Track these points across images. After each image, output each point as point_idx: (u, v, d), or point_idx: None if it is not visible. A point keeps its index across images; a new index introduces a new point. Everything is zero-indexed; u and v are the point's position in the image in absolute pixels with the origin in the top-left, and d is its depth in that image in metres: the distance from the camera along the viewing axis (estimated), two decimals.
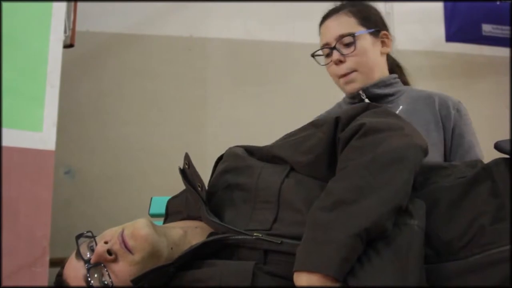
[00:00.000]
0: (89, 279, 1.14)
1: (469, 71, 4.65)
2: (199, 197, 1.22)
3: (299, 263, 0.98)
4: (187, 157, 1.28)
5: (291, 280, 0.99)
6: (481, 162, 1.22)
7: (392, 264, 0.94)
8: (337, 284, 0.94)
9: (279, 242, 1.08)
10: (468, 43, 4.54)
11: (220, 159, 1.37)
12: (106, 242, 1.15)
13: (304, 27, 4.39)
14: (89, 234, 1.22)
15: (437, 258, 1.01)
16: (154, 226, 1.18)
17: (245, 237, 1.12)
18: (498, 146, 1.13)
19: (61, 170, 3.63)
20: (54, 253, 2.11)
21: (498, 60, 4.64)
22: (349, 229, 0.96)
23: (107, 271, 1.14)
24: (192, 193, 1.24)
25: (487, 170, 1.11)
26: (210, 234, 1.18)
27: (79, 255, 1.18)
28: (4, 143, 1.84)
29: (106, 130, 3.78)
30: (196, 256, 1.14)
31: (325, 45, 1.97)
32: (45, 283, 1.86)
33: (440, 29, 4.48)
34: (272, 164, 1.28)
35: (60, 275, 1.22)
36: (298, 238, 1.03)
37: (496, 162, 1.12)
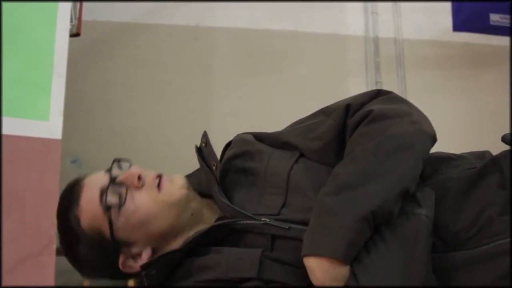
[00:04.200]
0: (107, 190, 1.14)
1: (476, 61, 4.64)
2: (213, 176, 1.21)
3: (306, 248, 0.99)
4: (205, 136, 1.28)
5: (299, 266, 1.00)
6: (490, 153, 1.22)
7: (399, 254, 0.94)
8: (345, 268, 0.95)
9: (287, 227, 1.08)
10: (476, 32, 4.52)
11: (228, 145, 1.37)
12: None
13: (310, 16, 4.38)
14: (129, 160, 1.22)
15: (445, 248, 1.01)
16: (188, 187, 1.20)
17: (253, 221, 1.11)
18: (505, 139, 1.13)
19: (67, 159, 3.63)
20: None
21: (505, 50, 4.61)
22: (355, 213, 0.96)
23: (126, 193, 1.14)
24: (206, 172, 1.23)
25: (496, 161, 1.11)
26: (218, 219, 1.18)
27: (108, 171, 1.18)
28: (10, 132, 1.84)
29: (112, 119, 3.79)
30: (203, 242, 1.14)
31: None
32: (52, 272, 1.86)
33: (447, 19, 4.45)
34: (282, 150, 1.27)
35: (80, 179, 1.23)
36: (306, 223, 1.03)
37: (504, 154, 1.12)
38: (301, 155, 1.23)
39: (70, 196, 1.21)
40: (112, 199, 1.13)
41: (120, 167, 1.20)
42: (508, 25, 4.54)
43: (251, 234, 1.11)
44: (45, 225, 1.88)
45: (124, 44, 4.03)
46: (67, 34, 2.09)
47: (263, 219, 1.10)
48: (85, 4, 2.56)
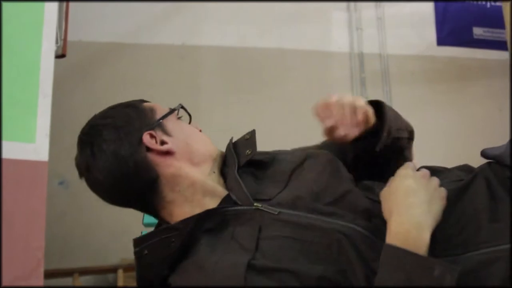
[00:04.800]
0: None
1: (461, 75, 4.67)
2: (236, 159, 1.26)
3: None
4: (253, 132, 1.35)
5: (283, 270, 0.99)
6: (470, 166, 1.24)
7: None
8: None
9: (276, 213, 1.09)
10: (460, 46, 4.57)
11: None
12: None
13: (295, 34, 4.40)
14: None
15: (432, 255, 1.01)
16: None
17: (245, 207, 1.12)
18: (484, 154, 1.15)
19: (55, 181, 3.61)
20: (49, 264, 2.09)
21: (490, 63, 4.66)
22: None
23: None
24: (231, 157, 1.29)
25: (483, 172, 1.12)
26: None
27: None
28: None
29: None
30: (196, 229, 1.14)
31: None
32: None
33: (431, 33, 4.50)
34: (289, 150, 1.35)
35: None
36: (296, 208, 1.08)
37: (489, 164, 1.13)
38: (308, 156, 1.27)
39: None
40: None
41: None
42: (491, 38, 4.59)
43: (240, 225, 1.11)
44: (33, 247, 1.87)
45: (110, 64, 4.03)
46: (52, 54, 2.08)
47: (255, 204, 1.12)
48: (70, 24, 2.56)
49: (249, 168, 1.27)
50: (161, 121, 1.24)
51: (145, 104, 1.30)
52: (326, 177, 1.19)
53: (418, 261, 0.94)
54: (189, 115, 1.33)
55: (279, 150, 1.39)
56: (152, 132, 1.21)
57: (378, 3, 4.63)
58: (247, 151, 1.28)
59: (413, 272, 0.93)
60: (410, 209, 1.00)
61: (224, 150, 1.36)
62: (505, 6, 3.62)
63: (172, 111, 1.29)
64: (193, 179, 1.20)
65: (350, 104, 1.15)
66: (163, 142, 1.21)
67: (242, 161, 1.26)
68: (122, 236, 3.50)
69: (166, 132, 1.23)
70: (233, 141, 1.36)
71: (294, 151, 1.36)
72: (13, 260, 1.80)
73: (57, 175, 3.61)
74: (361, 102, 1.16)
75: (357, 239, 1.03)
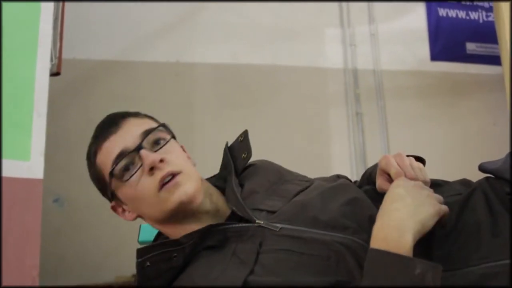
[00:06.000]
0: (123, 156, 1.18)
1: (455, 90, 4.69)
2: (233, 167, 1.28)
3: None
4: (245, 133, 1.38)
5: (280, 285, 0.99)
6: (469, 180, 1.24)
7: None
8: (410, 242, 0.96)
9: (278, 229, 1.09)
10: (453, 61, 4.59)
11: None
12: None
13: (289, 50, 4.42)
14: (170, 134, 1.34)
15: None
16: (203, 186, 1.23)
17: (247, 225, 1.12)
18: (483, 168, 1.15)
19: (49, 198, 3.60)
20: (44, 282, 2.08)
21: (483, 78, 4.68)
22: None
23: (135, 172, 1.18)
24: (229, 165, 1.30)
25: (481, 187, 1.12)
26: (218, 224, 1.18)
27: (145, 133, 1.26)
28: None
29: None
30: (198, 245, 1.14)
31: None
32: None
33: (425, 49, 4.52)
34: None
35: (125, 118, 1.34)
36: (297, 222, 1.09)
37: (487, 179, 1.14)
38: (315, 180, 1.32)
39: (107, 127, 1.30)
40: (120, 168, 1.18)
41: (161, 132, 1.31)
42: (484, 53, 4.62)
43: (241, 243, 1.11)
44: (27, 266, 1.86)
45: (105, 81, 4.03)
46: (47, 73, 2.08)
47: (257, 221, 1.11)
48: (65, 42, 2.57)
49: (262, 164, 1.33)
50: (112, 193, 1.24)
51: (97, 165, 1.27)
52: (329, 191, 1.20)
53: (398, 260, 0.93)
54: (141, 164, 1.19)
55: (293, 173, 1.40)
56: (113, 202, 1.25)
57: (372, 20, 4.65)
58: (243, 154, 1.31)
59: (394, 271, 0.92)
60: (393, 213, 1.00)
61: (218, 166, 1.36)
62: (496, 7, 3.60)
63: (108, 183, 1.22)
64: (167, 233, 1.24)
65: (425, 179, 1.18)
66: (123, 209, 1.24)
67: (240, 167, 1.30)
68: (117, 254, 3.49)
69: (120, 201, 1.24)
70: (229, 145, 1.39)
71: (303, 177, 1.37)
72: (7, 278, 1.79)
73: (51, 193, 3.60)
74: (426, 175, 1.20)
75: (357, 249, 1.04)
